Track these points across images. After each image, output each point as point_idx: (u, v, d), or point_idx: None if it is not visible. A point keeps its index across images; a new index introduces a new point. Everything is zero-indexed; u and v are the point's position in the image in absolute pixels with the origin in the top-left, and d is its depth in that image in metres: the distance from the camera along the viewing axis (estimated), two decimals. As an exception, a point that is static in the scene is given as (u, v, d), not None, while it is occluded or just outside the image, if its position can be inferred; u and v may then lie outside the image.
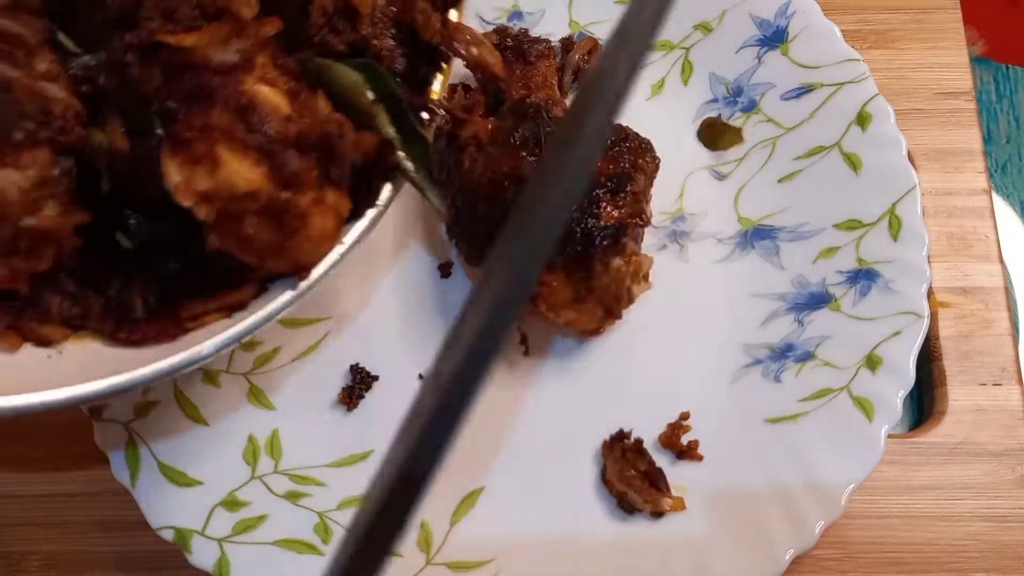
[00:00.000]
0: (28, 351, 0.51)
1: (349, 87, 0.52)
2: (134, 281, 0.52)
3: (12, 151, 0.45)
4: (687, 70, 0.74)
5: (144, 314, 0.52)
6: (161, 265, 0.53)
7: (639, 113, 0.69)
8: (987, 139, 0.82)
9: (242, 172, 0.45)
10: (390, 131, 0.53)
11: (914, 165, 0.70)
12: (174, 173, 0.45)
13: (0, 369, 0.50)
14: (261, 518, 0.61)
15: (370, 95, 0.52)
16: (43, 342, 0.50)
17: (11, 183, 0.45)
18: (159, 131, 0.46)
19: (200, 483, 0.61)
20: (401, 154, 0.53)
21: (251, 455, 0.63)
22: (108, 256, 0.52)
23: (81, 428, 0.64)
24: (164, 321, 0.52)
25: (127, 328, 0.51)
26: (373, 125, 0.52)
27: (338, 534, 0.61)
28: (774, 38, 0.72)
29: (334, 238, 0.49)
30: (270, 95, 0.46)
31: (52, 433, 0.68)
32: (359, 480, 0.63)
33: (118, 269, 0.52)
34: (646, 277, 0.64)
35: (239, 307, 0.52)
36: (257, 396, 0.65)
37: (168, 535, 0.59)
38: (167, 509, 0.60)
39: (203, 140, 0.45)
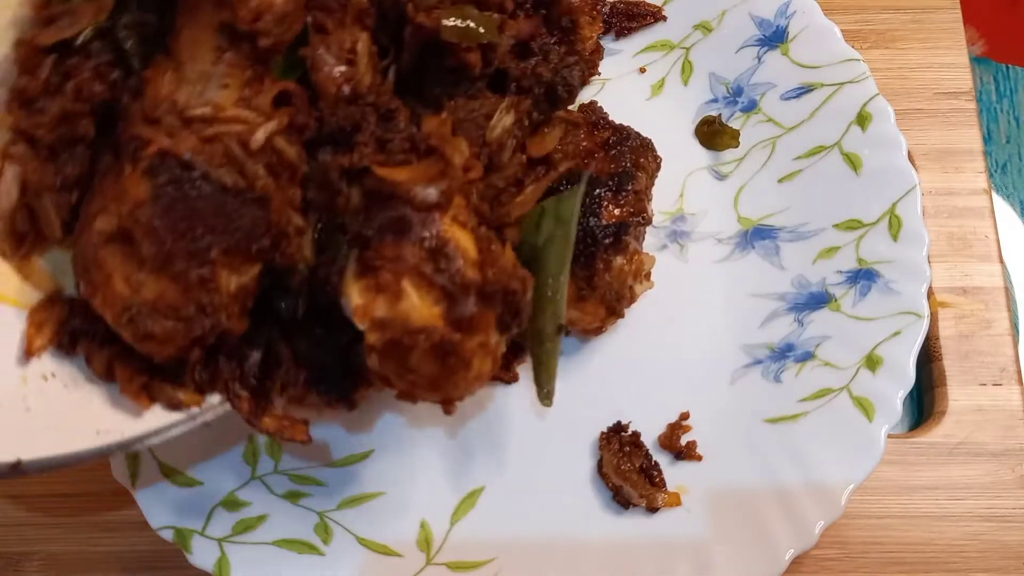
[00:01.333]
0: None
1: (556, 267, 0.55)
2: (281, 360, 0.52)
3: (240, 261, 0.46)
4: (687, 70, 0.74)
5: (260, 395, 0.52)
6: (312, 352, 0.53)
7: (639, 113, 0.69)
8: (987, 139, 0.82)
9: (421, 308, 0.46)
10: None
11: (914, 165, 0.70)
12: (356, 295, 0.47)
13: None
14: (261, 518, 0.61)
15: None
16: (174, 405, 0.50)
17: (225, 289, 0.46)
18: (348, 251, 0.47)
19: (200, 483, 0.61)
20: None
21: (251, 455, 0.63)
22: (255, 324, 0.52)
23: (81, 428, 0.64)
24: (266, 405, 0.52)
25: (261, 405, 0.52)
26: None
27: (338, 534, 0.61)
28: (774, 38, 0.72)
29: (487, 378, 0.50)
30: (462, 238, 0.47)
31: (52, 433, 0.69)
32: (359, 480, 0.63)
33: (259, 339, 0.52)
34: (648, 276, 0.64)
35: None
36: (257, 396, 0.65)
37: (168, 535, 0.59)
38: (167, 509, 0.60)
39: (391, 271, 0.46)
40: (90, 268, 0.46)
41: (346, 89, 0.49)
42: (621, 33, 0.75)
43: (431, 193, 0.47)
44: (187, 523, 0.60)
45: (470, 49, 0.50)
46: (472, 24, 0.50)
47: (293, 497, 0.62)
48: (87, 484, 0.67)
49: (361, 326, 0.47)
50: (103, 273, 0.45)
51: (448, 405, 0.50)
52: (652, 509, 0.62)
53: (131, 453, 0.60)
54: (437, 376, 0.48)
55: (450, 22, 0.49)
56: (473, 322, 0.47)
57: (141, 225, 0.44)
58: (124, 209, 0.45)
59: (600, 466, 0.63)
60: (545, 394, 0.57)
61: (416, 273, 0.46)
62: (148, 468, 0.61)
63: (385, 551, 0.61)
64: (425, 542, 0.62)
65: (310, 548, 0.60)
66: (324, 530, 0.61)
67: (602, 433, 0.64)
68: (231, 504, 0.61)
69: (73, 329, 0.49)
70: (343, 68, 0.49)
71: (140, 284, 0.45)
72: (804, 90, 0.71)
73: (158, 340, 0.46)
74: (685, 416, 0.65)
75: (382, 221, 0.47)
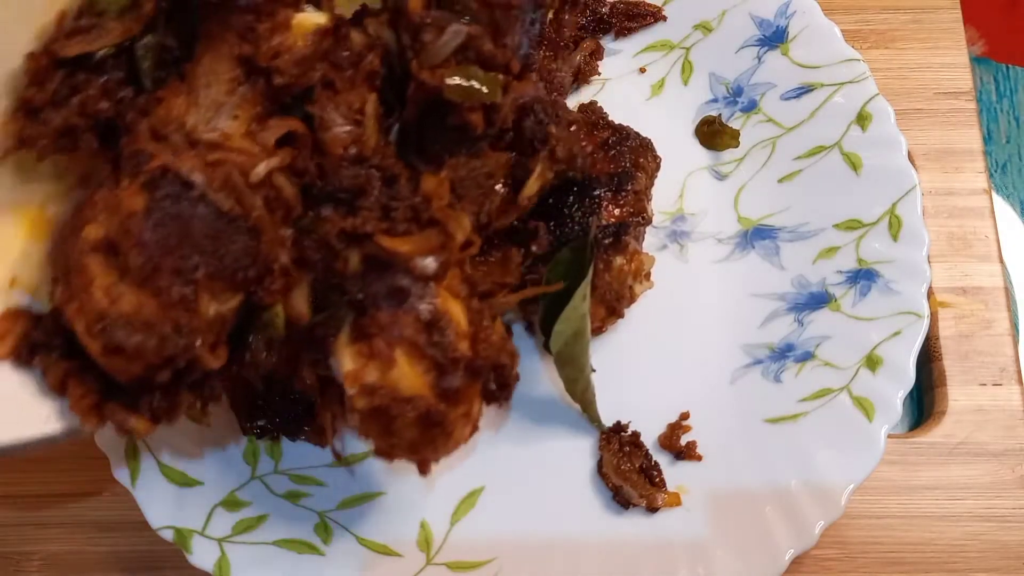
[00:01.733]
0: None
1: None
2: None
3: (222, 288, 0.46)
4: (687, 70, 0.74)
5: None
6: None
7: (639, 113, 0.69)
8: (987, 139, 0.82)
9: (410, 378, 0.47)
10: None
11: (914, 165, 0.70)
12: (348, 360, 0.48)
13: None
14: (261, 518, 0.61)
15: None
16: (124, 430, 0.49)
17: (204, 313, 0.46)
18: (345, 313, 0.48)
19: (200, 483, 0.61)
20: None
21: (251, 455, 0.63)
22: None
23: (81, 428, 0.64)
24: None
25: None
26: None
27: (338, 534, 0.61)
28: (774, 38, 0.72)
29: (464, 443, 0.51)
30: (455, 310, 0.49)
31: (52, 433, 0.69)
32: (359, 480, 0.63)
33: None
34: (648, 276, 0.64)
35: None
36: (257, 396, 0.65)
37: (168, 535, 0.59)
38: (167, 509, 0.60)
39: (385, 339, 0.47)
40: (71, 274, 0.46)
41: (352, 150, 0.49)
42: (621, 33, 0.75)
43: (429, 264, 0.48)
44: (187, 523, 0.60)
45: (473, 109, 0.50)
46: (476, 84, 0.49)
47: (293, 497, 0.62)
48: (87, 484, 0.67)
49: (350, 391, 0.48)
50: (83, 279, 0.45)
51: (424, 466, 0.51)
52: (652, 509, 0.62)
53: (131, 453, 0.61)
54: (417, 442, 0.49)
55: (453, 81, 0.49)
56: (459, 394, 0.48)
57: (131, 235, 0.44)
58: (116, 220, 0.45)
59: (600, 466, 0.63)
60: (598, 424, 0.64)
61: (409, 343, 0.47)
62: (148, 468, 0.61)
63: (385, 551, 0.61)
64: (425, 542, 0.62)
65: (310, 548, 0.60)
66: (324, 530, 0.61)
67: (602, 433, 0.64)
68: (231, 504, 0.61)
69: (34, 342, 0.49)
70: (350, 128, 0.49)
71: (119, 295, 0.44)
72: (804, 90, 0.71)
73: (127, 355, 0.45)
74: (685, 416, 0.65)
75: (380, 289, 0.48)
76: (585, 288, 0.58)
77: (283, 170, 0.48)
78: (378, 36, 0.50)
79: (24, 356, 0.49)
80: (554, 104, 0.58)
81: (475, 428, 0.51)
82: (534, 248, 0.59)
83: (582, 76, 0.73)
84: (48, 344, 0.49)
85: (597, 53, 0.74)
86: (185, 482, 0.61)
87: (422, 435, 0.48)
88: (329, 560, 0.60)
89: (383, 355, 0.47)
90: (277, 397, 0.61)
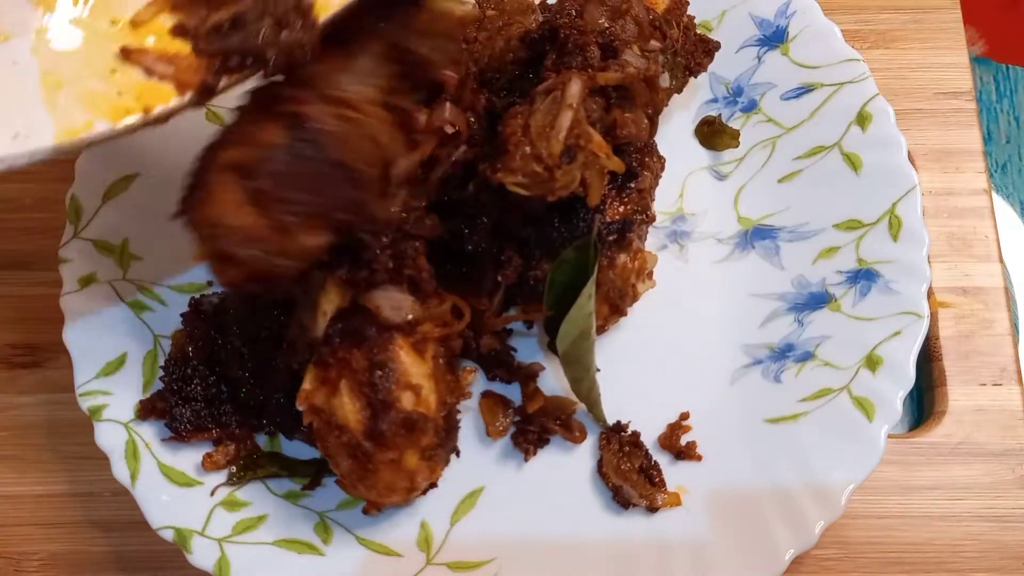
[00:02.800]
0: None
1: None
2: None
3: (319, 226, 0.51)
4: (687, 70, 0.74)
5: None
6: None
7: (639, 113, 0.69)
8: (987, 139, 0.82)
9: (345, 408, 0.54)
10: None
11: (914, 165, 0.70)
12: (307, 381, 0.56)
13: None
14: (261, 518, 0.61)
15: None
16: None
17: (299, 243, 0.51)
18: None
19: (200, 483, 0.61)
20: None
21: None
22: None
23: (81, 428, 0.64)
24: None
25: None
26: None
27: (338, 534, 0.61)
28: (774, 38, 0.72)
29: (401, 497, 0.57)
30: (411, 364, 0.54)
31: (51, 432, 0.68)
32: (359, 480, 0.63)
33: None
34: (651, 275, 0.64)
35: None
36: (257, 396, 0.65)
37: (168, 535, 0.59)
38: (167, 509, 0.60)
39: (336, 370, 0.54)
40: (201, 187, 0.51)
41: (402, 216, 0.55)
42: (621, 33, 0.75)
43: (395, 316, 0.54)
44: (187, 523, 0.60)
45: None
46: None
47: (293, 497, 0.62)
48: (87, 484, 0.67)
49: (300, 407, 0.56)
50: (211, 192, 0.50)
51: (369, 507, 0.58)
52: (652, 509, 0.62)
53: (131, 453, 0.61)
54: (351, 472, 0.55)
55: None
56: (386, 439, 0.53)
57: (266, 164, 0.49)
58: (253, 148, 0.50)
59: (600, 466, 0.63)
60: (602, 424, 0.65)
61: (353, 378, 0.54)
62: (148, 468, 0.61)
63: (385, 551, 0.61)
64: (425, 542, 0.62)
65: (310, 548, 0.60)
66: (324, 530, 0.61)
67: (602, 433, 0.64)
68: (231, 504, 0.61)
69: None
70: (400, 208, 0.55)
71: (239, 211, 0.50)
72: (804, 90, 0.71)
73: (233, 262, 0.50)
74: (685, 416, 0.65)
75: (347, 326, 0.54)
76: (590, 287, 0.58)
77: (417, 161, 0.54)
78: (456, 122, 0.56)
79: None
80: None
81: (413, 488, 0.56)
82: (500, 279, 0.60)
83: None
84: None
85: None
86: (185, 482, 0.61)
87: (353, 466, 0.54)
88: (329, 560, 0.60)
89: (331, 383, 0.54)
90: (280, 396, 0.61)
